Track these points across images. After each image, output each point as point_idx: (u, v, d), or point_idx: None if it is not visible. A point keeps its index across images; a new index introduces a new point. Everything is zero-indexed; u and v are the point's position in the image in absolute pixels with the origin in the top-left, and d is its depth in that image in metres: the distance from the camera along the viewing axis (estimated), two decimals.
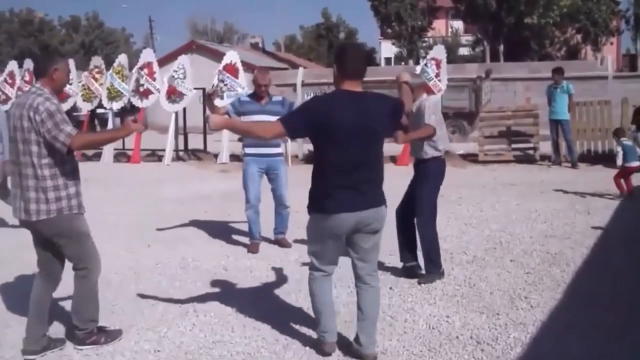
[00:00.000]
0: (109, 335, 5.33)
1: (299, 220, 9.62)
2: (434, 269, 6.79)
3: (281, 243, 8.39)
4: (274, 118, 7.77)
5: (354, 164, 4.64)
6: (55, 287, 5.30)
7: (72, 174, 5.03)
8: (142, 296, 6.48)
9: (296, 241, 8.30)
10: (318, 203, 4.72)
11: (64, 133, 4.80)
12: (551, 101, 15.02)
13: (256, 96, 8.03)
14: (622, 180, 11.09)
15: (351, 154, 4.62)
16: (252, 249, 8.15)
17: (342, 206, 4.63)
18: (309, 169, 13.15)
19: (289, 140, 15.51)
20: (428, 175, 6.79)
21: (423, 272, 6.87)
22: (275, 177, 8.17)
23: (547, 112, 15.22)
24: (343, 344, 5.11)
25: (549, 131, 15.31)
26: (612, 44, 46.27)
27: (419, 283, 6.67)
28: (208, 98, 7.95)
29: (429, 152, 6.74)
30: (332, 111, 4.60)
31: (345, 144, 4.60)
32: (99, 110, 21.37)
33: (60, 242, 5.04)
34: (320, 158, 4.76)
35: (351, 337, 5.17)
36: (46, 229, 4.98)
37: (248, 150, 8.12)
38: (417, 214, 6.79)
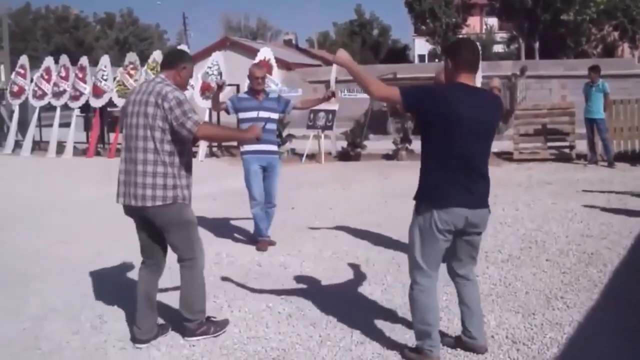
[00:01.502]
0: (217, 325, 5.41)
1: (332, 217, 9.63)
2: None
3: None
4: (271, 114, 7.85)
5: (468, 159, 4.55)
6: (160, 275, 5.44)
7: (187, 166, 5.16)
8: (177, 291, 6.50)
9: (323, 230, 8.29)
10: (433, 197, 4.56)
11: (192, 121, 4.92)
12: (587, 100, 14.84)
13: (253, 91, 8.09)
14: None
15: (467, 149, 4.53)
16: (262, 246, 8.11)
17: (457, 201, 4.52)
18: (343, 165, 13.18)
19: (329, 132, 15.54)
20: None
21: None
22: (271, 174, 8.14)
23: (583, 110, 15.03)
24: (386, 340, 5.11)
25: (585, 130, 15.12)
26: None
27: None
28: (217, 89, 7.97)
29: None
30: (454, 102, 4.48)
31: (463, 139, 4.49)
32: None
33: (169, 229, 5.11)
34: (433, 151, 4.59)
35: (386, 335, 5.20)
36: (158, 216, 5.04)
37: (248, 148, 8.01)
38: None
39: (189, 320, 5.26)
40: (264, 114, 7.81)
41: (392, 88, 4.57)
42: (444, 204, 4.50)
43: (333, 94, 8.55)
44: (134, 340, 5.24)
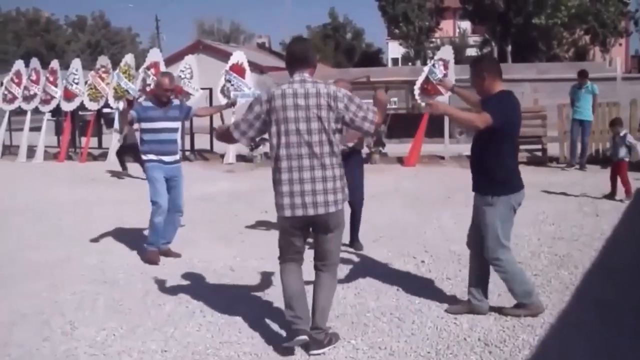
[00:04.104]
0: (334, 337, 5.21)
1: None
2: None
3: (167, 253, 7.96)
4: (174, 124, 7.70)
5: (518, 151, 5.94)
6: None
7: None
8: (149, 296, 6.47)
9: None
10: (509, 184, 5.57)
11: (372, 111, 4.90)
12: (575, 101, 14.86)
13: (159, 101, 7.71)
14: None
15: (517, 143, 5.84)
16: (153, 258, 7.75)
17: (522, 184, 5.66)
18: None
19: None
20: (362, 163, 8.22)
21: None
22: (176, 184, 7.86)
23: (571, 112, 15.00)
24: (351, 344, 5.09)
25: (570, 131, 15.03)
26: (620, 45, 46.08)
27: (357, 249, 8.03)
28: (128, 105, 7.78)
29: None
30: (516, 108, 5.61)
31: (517, 135, 5.71)
32: (105, 110, 21.34)
33: (335, 233, 5.05)
34: (505, 148, 5.53)
35: (358, 338, 5.21)
36: (333, 220, 4.97)
37: (152, 157, 7.66)
38: (359, 196, 7.97)
39: (320, 330, 5.05)
40: (167, 124, 7.64)
41: (486, 116, 5.32)
42: (517, 188, 5.60)
43: (233, 104, 8.51)
44: (299, 332, 4.98)
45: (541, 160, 15.89)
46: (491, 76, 5.57)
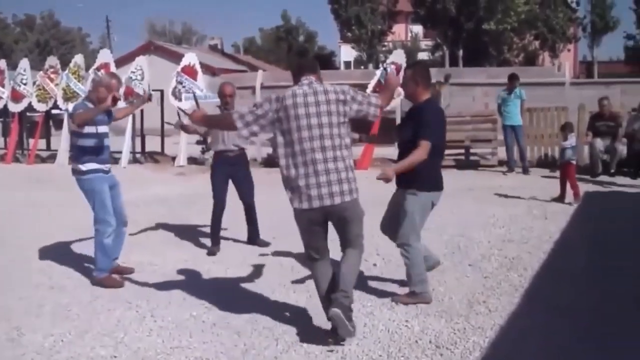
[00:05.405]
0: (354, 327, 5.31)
1: (271, 224, 9.57)
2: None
3: (119, 271, 7.24)
4: (106, 128, 7.13)
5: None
6: None
7: None
8: (98, 301, 6.37)
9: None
10: (435, 183, 6.06)
11: (373, 96, 5.39)
12: (503, 106, 15.04)
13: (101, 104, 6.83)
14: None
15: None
16: (114, 283, 6.90)
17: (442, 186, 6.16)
18: (268, 172, 13.03)
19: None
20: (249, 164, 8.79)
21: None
22: (118, 192, 7.22)
23: (501, 118, 15.23)
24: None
25: (504, 137, 15.24)
26: (569, 50, 46.74)
27: (261, 246, 8.45)
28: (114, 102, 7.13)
29: None
30: (444, 117, 6.15)
31: (444, 139, 6.10)
32: (54, 111, 20.95)
33: (355, 221, 5.30)
34: (433, 152, 5.81)
35: (311, 342, 5.19)
36: (352, 209, 5.24)
37: (94, 166, 6.90)
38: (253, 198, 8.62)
39: (345, 293, 5.19)
40: (107, 129, 7.11)
41: (425, 145, 5.76)
42: (438, 188, 6.09)
43: (149, 98, 7.98)
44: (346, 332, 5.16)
45: (490, 163, 16.06)
46: (423, 83, 6.01)
